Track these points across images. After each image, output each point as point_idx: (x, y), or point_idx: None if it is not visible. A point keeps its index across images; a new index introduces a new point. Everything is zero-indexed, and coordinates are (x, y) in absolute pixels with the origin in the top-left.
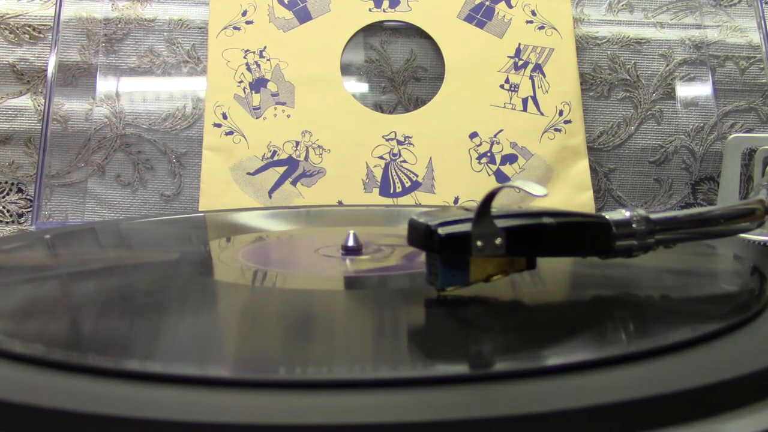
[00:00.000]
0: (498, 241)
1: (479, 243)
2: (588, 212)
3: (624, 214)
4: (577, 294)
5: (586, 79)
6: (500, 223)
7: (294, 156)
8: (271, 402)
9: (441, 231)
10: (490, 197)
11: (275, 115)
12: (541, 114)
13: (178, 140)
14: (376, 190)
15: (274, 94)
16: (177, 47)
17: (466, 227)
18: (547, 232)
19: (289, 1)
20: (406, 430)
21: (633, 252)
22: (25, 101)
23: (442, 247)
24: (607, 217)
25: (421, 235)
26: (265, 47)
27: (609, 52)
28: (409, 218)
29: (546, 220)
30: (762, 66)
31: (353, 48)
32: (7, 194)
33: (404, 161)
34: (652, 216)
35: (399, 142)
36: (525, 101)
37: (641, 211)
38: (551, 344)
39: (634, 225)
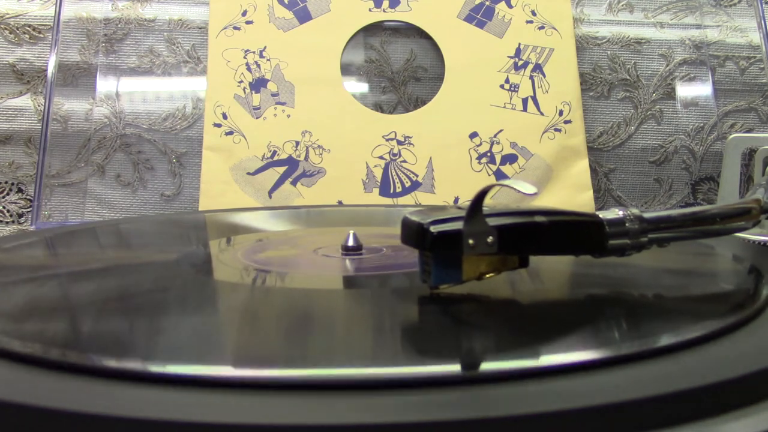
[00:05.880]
0: (490, 239)
1: (471, 241)
2: (581, 211)
3: (617, 213)
4: (576, 294)
5: (586, 79)
6: (492, 222)
7: (294, 156)
8: (271, 402)
9: (433, 229)
10: (481, 195)
11: (275, 115)
12: (541, 114)
13: (178, 140)
14: (376, 190)
15: (274, 94)
16: (177, 47)
17: (458, 225)
18: (540, 231)
19: (289, 1)
20: (405, 430)
21: (626, 251)
22: (25, 101)
23: (435, 245)
24: (600, 215)
25: (413, 233)
26: (265, 47)
27: (609, 52)
28: (402, 216)
29: (538, 218)
30: (762, 66)
31: (353, 48)
32: (7, 194)
33: (404, 161)
34: (646, 215)
35: (399, 142)
36: (525, 101)
37: (635, 210)
38: (550, 344)
39: (627, 224)
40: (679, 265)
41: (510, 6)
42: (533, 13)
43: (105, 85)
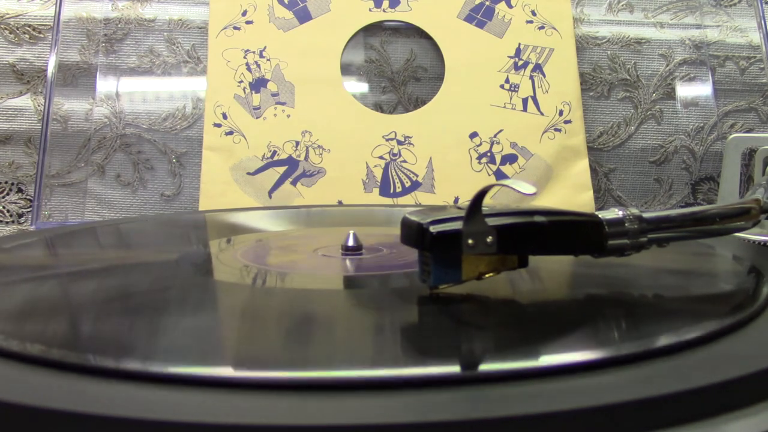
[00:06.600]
0: (489, 239)
1: (470, 241)
2: (580, 211)
3: (617, 213)
4: (575, 294)
5: (586, 79)
6: (491, 222)
7: (294, 156)
8: (271, 402)
9: (432, 229)
10: (480, 195)
11: (275, 115)
12: (541, 114)
13: (178, 140)
14: (376, 190)
15: (274, 94)
16: (177, 47)
17: (458, 225)
18: (539, 231)
19: (289, 1)
20: (405, 430)
21: (625, 251)
22: (25, 101)
23: (434, 245)
24: (599, 216)
25: (413, 233)
26: (265, 47)
27: (609, 52)
28: (402, 216)
29: (537, 218)
30: (762, 66)
31: (353, 48)
32: (7, 194)
33: (404, 161)
34: (646, 215)
35: (399, 142)
36: (525, 101)
37: (634, 210)
38: (549, 344)
39: (626, 224)
40: (679, 265)
41: (510, 6)
42: (533, 13)
43: (105, 85)
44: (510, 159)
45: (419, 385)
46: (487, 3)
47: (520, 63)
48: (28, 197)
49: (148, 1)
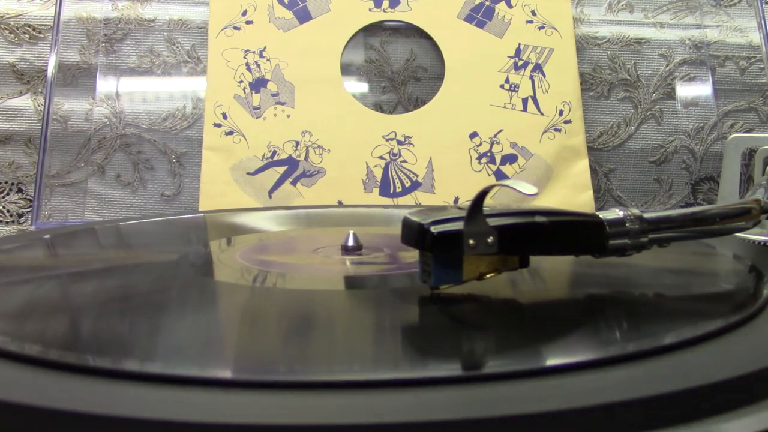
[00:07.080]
0: (490, 239)
1: (471, 241)
2: (581, 211)
3: (617, 213)
4: (576, 294)
5: (586, 79)
6: (492, 222)
7: (294, 156)
8: (271, 402)
9: (433, 229)
10: (482, 196)
11: (275, 115)
12: (541, 114)
13: (178, 140)
14: (376, 190)
15: (274, 94)
16: (177, 47)
17: (459, 226)
18: (540, 231)
19: (289, 1)
20: (405, 430)
21: (626, 251)
22: (25, 101)
23: (435, 245)
24: (600, 216)
25: (414, 233)
26: (265, 47)
27: (609, 52)
28: (403, 217)
29: (538, 218)
30: (762, 66)
31: (353, 48)
32: (7, 194)
33: (404, 161)
34: (646, 215)
35: (399, 142)
36: (525, 101)
37: (635, 210)
38: (549, 344)
39: (627, 224)
40: (679, 264)
41: (510, 6)
42: (533, 13)
43: (105, 85)
44: (510, 159)
45: (419, 385)
46: (487, 3)
47: (520, 63)
48: (28, 197)
49: (148, 1)
